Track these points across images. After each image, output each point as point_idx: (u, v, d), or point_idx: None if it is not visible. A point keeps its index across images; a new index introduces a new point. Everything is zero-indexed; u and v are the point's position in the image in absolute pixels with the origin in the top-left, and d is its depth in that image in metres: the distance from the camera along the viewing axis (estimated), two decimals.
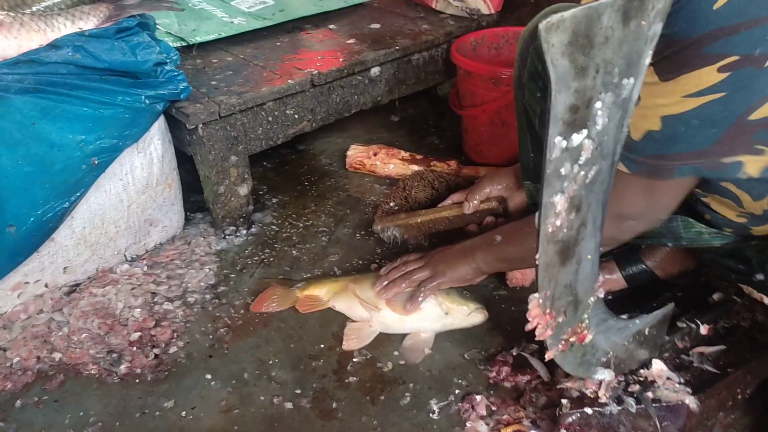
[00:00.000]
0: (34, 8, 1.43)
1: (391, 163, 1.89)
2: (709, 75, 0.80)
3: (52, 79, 1.27)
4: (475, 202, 1.52)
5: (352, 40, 1.90)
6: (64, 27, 1.36)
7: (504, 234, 1.27)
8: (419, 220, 1.56)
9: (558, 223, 0.81)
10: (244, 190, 1.66)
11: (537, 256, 0.83)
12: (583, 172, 0.79)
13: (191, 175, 1.69)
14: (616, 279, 1.37)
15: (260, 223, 1.73)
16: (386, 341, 1.34)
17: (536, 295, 0.87)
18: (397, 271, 1.37)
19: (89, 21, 1.39)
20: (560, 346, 0.95)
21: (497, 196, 1.53)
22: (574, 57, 0.68)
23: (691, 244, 1.14)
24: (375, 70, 1.81)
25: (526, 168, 1.45)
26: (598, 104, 0.74)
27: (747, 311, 1.19)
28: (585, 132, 0.75)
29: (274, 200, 1.83)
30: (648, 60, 0.76)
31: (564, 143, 0.74)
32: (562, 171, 0.76)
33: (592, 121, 0.75)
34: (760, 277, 1.04)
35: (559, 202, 0.79)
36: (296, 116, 1.68)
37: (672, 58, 0.82)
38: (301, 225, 1.72)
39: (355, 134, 2.18)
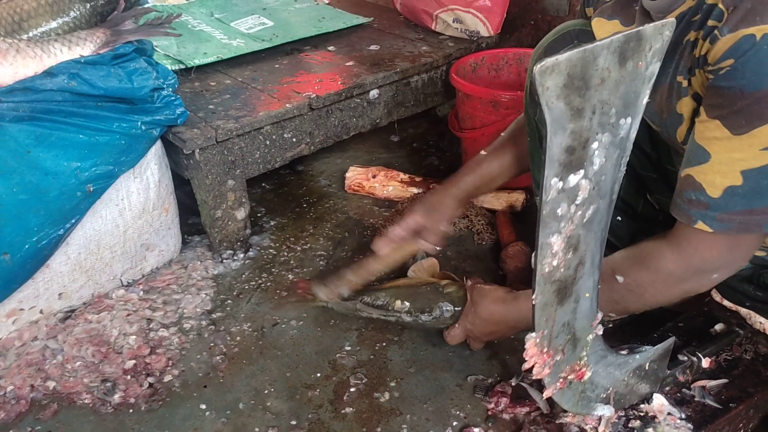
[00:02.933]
0: (30, 33, 1.42)
1: (390, 185, 1.88)
2: None
3: (48, 107, 1.27)
4: (386, 249, 1.39)
5: (351, 62, 1.89)
6: (61, 53, 1.35)
7: None
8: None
9: (555, 262, 0.79)
10: (241, 214, 1.65)
11: (534, 296, 0.81)
12: (580, 212, 0.77)
13: (190, 197, 1.68)
14: None
15: (258, 246, 1.72)
16: (384, 370, 1.32)
17: (533, 334, 0.85)
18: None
19: (86, 47, 1.38)
20: (558, 384, 0.94)
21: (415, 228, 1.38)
22: (569, 99, 0.67)
23: None
24: (374, 93, 1.80)
25: (539, 185, 1.41)
26: (595, 144, 0.73)
27: (750, 343, 1.17)
28: (582, 172, 0.74)
29: (272, 222, 1.82)
30: (646, 99, 0.75)
31: (560, 184, 0.73)
32: (559, 211, 0.75)
33: (588, 161, 0.73)
34: None
35: (556, 242, 0.77)
36: (294, 140, 1.68)
37: (743, 111, 0.82)
38: (299, 248, 1.71)
39: (354, 154, 2.17)
